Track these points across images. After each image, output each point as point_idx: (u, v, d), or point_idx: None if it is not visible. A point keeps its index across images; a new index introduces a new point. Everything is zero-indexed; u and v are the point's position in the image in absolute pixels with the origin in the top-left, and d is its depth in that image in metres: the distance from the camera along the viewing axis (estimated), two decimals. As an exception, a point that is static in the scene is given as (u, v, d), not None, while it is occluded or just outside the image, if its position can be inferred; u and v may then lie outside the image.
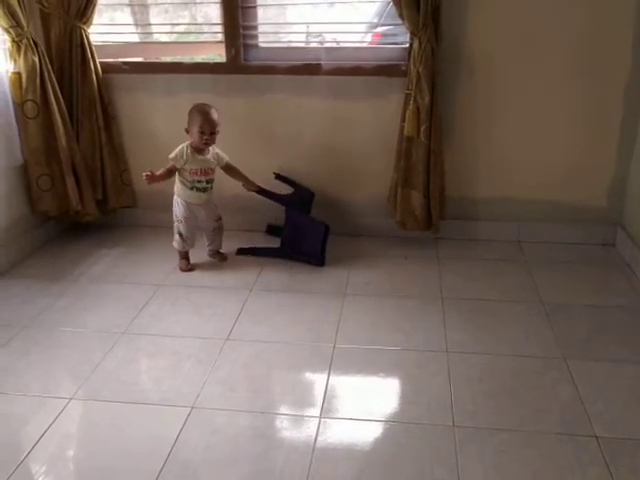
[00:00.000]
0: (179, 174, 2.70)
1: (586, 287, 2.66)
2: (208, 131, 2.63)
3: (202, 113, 2.63)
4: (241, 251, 2.97)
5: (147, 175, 2.61)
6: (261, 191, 2.86)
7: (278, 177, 2.99)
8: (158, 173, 2.65)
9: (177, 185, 2.75)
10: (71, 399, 1.96)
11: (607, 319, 2.40)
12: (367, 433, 1.83)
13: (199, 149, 2.68)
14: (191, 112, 2.66)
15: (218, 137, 2.71)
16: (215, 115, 2.65)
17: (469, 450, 1.73)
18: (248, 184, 2.85)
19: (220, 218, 2.89)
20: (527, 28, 2.73)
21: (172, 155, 2.66)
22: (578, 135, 2.89)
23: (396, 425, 1.85)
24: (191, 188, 2.72)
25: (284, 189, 2.97)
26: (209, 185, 2.77)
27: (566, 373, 2.06)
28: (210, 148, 2.73)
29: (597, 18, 2.68)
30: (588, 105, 2.83)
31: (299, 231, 2.86)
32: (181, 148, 2.67)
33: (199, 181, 2.72)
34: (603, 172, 2.94)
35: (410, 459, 1.71)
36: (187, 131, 2.67)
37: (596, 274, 2.79)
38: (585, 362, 2.12)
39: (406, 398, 2.02)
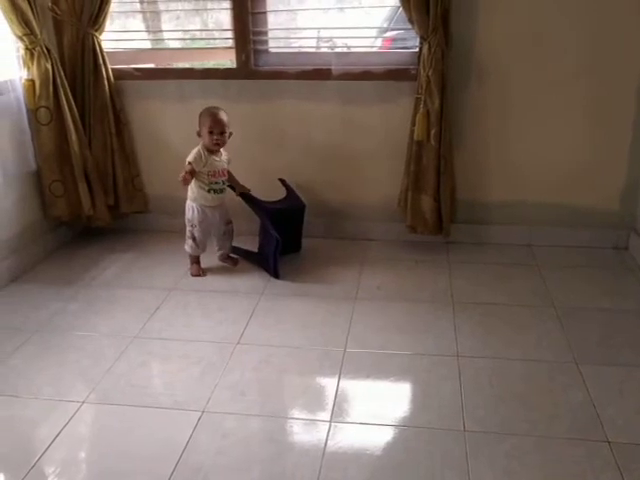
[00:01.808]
0: (196, 178, 2.71)
1: (598, 291, 2.64)
2: (218, 131, 2.65)
3: (210, 114, 2.66)
4: (234, 249, 2.99)
5: (183, 176, 2.63)
6: (248, 196, 2.87)
7: (282, 181, 3.01)
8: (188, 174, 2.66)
9: (192, 190, 2.76)
10: (83, 402, 1.97)
11: (619, 323, 2.39)
12: (377, 437, 1.83)
13: (212, 150, 2.70)
14: (200, 115, 2.69)
15: (230, 140, 2.74)
16: (224, 116, 2.68)
17: (480, 455, 1.72)
18: (239, 186, 2.87)
19: (231, 222, 2.90)
20: (537, 30, 2.73)
21: (191, 158, 2.67)
22: (590, 138, 2.88)
23: (406, 429, 1.85)
24: (208, 190, 2.74)
25: (282, 192, 3.01)
26: (225, 186, 2.79)
27: (578, 377, 2.05)
28: (222, 150, 2.75)
29: (608, 19, 2.67)
30: (600, 108, 2.82)
31: (266, 240, 2.86)
32: (197, 151, 2.69)
33: (216, 182, 2.74)
34: (615, 175, 2.92)
35: (420, 464, 1.70)
36: (198, 134, 2.70)
37: (608, 278, 2.77)
38: (597, 366, 2.11)
39: (416, 402, 2.01)
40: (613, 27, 2.68)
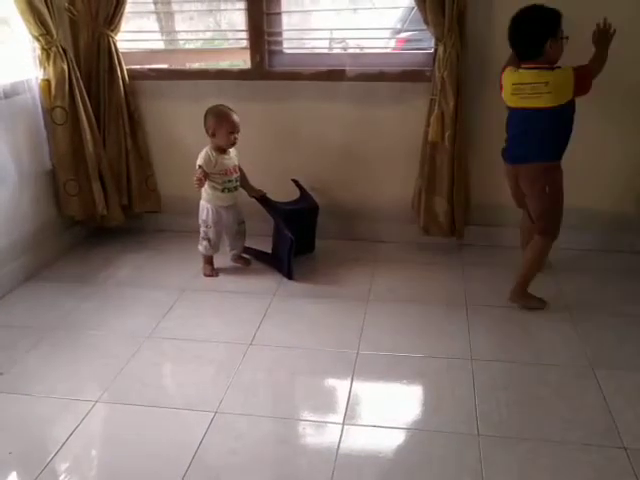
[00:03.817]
0: (209, 179, 2.72)
1: (615, 295, 2.61)
2: (236, 130, 2.67)
3: (226, 115, 2.67)
4: (246, 249, 2.99)
5: (198, 179, 2.65)
6: (263, 199, 2.87)
7: (295, 182, 3.02)
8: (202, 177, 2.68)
9: (206, 191, 2.76)
10: (96, 402, 1.98)
11: (636, 328, 2.36)
12: (390, 440, 1.82)
13: (222, 149, 2.71)
14: (212, 116, 2.67)
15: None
16: (236, 114, 2.70)
17: (494, 459, 1.71)
18: (252, 190, 2.87)
19: (243, 222, 2.90)
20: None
21: (201, 161, 2.68)
22: (607, 141, 2.85)
23: (420, 433, 1.84)
24: (222, 190, 2.74)
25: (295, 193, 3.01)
26: (237, 183, 2.80)
27: (593, 382, 2.03)
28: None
29: (627, 16, 2.63)
30: (618, 110, 2.79)
31: (280, 241, 2.86)
32: (206, 153, 2.69)
33: (229, 180, 2.75)
34: (633, 178, 2.89)
35: (434, 467, 1.69)
36: (213, 135, 2.68)
37: (625, 282, 2.73)
38: (614, 371, 2.09)
39: (430, 406, 2.00)
40: (633, 26, 2.65)
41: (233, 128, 2.66)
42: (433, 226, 2.95)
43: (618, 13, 2.63)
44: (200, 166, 2.67)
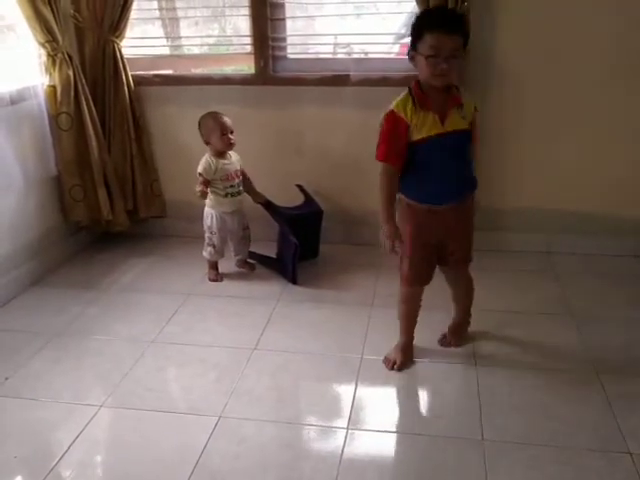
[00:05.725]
0: (211, 186, 2.73)
1: (618, 299, 2.60)
2: (229, 131, 2.68)
3: (216, 119, 2.68)
4: (250, 254, 3.00)
5: (201, 190, 2.66)
6: (267, 205, 2.88)
7: (299, 187, 3.02)
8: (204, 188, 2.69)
9: (210, 197, 2.76)
10: (101, 406, 1.99)
11: (640, 332, 2.36)
12: (394, 445, 1.82)
13: (222, 154, 2.72)
14: (203, 124, 2.70)
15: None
16: (227, 117, 2.72)
17: (498, 465, 1.71)
18: (257, 196, 2.88)
19: (248, 227, 2.90)
20: (558, 37, 2.70)
21: (201, 169, 2.69)
22: (611, 145, 2.84)
23: (424, 438, 1.83)
24: (225, 195, 2.75)
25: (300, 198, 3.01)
26: (240, 188, 2.80)
27: (598, 387, 2.02)
28: (231, 152, 2.77)
29: (632, 23, 2.63)
30: (622, 114, 2.78)
31: (284, 246, 2.87)
32: (206, 160, 2.71)
33: (231, 185, 2.75)
34: (635, 182, 2.89)
35: (438, 473, 1.69)
36: (207, 142, 2.70)
37: (630, 286, 2.72)
38: (618, 376, 2.08)
39: (434, 411, 2.00)
40: (635, 34, 2.65)
41: (224, 129, 2.66)
42: (437, 231, 2.94)
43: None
44: (200, 174, 2.68)
